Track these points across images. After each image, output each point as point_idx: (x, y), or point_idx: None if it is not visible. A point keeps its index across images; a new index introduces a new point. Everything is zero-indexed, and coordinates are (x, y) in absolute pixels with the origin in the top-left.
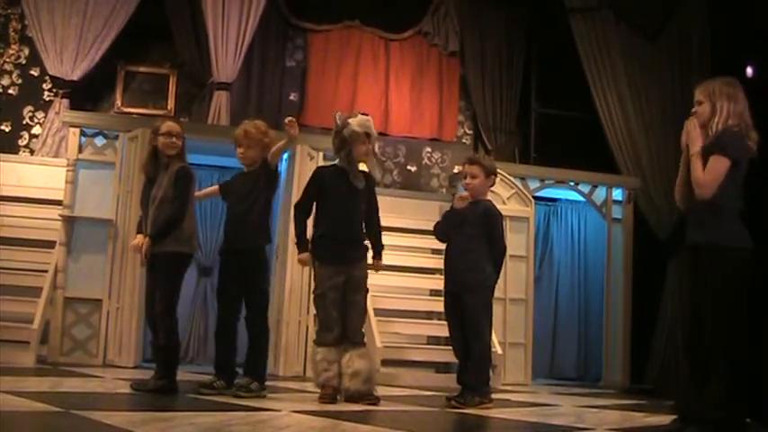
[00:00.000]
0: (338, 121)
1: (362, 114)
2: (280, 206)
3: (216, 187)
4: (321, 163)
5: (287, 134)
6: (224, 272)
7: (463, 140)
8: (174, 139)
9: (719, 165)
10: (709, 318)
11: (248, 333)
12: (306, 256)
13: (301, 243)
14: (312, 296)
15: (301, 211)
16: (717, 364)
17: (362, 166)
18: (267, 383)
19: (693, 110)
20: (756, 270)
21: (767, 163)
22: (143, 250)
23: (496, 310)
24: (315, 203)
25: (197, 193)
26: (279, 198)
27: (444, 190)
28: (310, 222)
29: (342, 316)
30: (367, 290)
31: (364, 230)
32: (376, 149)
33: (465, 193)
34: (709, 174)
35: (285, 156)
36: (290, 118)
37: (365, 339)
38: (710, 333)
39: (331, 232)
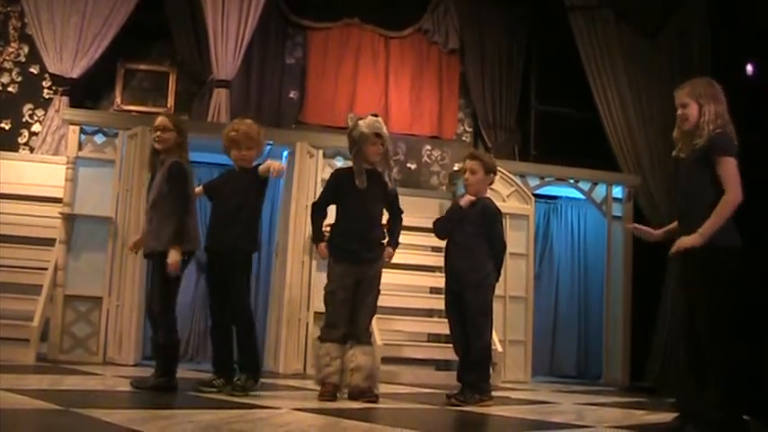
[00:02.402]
0: (349, 123)
1: (373, 116)
2: (280, 203)
3: (200, 188)
4: (321, 161)
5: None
6: (211, 270)
7: (463, 138)
8: (159, 134)
9: (732, 165)
10: (703, 317)
11: (235, 331)
12: (323, 245)
13: (317, 236)
14: (323, 293)
15: (317, 210)
16: (712, 363)
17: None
18: (267, 381)
19: (680, 112)
20: (754, 269)
21: (764, 161)
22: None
23: (496, 307)
24: (335, 205)
25: None
26: (278, 195)
27: (444, 188)
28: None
29: (350, 315)
30: (379, 291)
31: (383, 230)
32: (390, 149)
33: (469, 197)
34: (729, 182)
35: (285, 153)
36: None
37: (371, 339)
38: (704, 332)
39: (344, 232)
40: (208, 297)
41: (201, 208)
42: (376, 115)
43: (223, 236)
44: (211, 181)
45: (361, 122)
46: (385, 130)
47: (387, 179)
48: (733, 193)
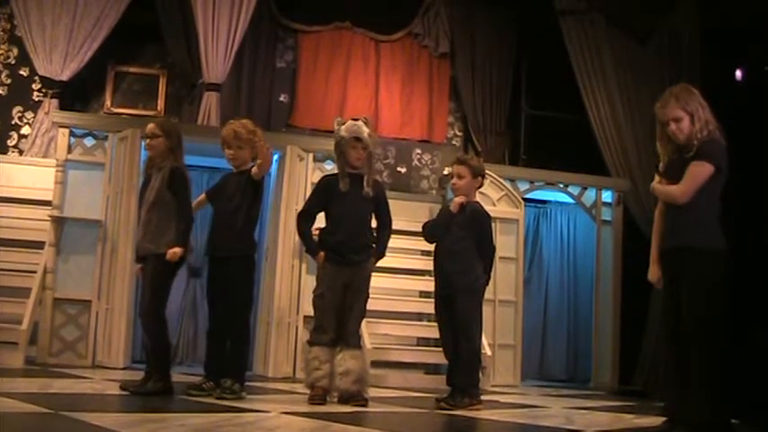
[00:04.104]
0: (335, 127)
1: (353, 119)
2: (270, 207)
3: (203, 196)
4: (311, 164)
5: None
6: (211, 276)
7: (453, 142)
8: (148, 141)
9: (702, 171)
10: (689, 319)
11: (229, 336)
12: (322, 254)
13: (310, 248)
14: (312, 296)
15: (304, 219)
16: (699, 366)
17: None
18: (257, 385)
19: (673, 127)
20: (741, 272)
21: (756, 165)
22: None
23: (486, 311)
24: (323, 211)
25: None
26: (268, 199)
27: (434, 192)
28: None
29: (339, 319)
30: (368, 294)
31: (372, 234)
32: (373, 153)
33: (459, 199)
34: (689, 181)
35: (275, 156)
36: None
37: (360, 342)
38: (690, 334)
39: (333, 235)
40: (207, 302)
41: (205, 214)
42: (357, 119)
43: (220, 241)
44: (212, 187)
45: (342, 126)
46: (366, 134)
47: (364, 184)
48: (682, 190)
